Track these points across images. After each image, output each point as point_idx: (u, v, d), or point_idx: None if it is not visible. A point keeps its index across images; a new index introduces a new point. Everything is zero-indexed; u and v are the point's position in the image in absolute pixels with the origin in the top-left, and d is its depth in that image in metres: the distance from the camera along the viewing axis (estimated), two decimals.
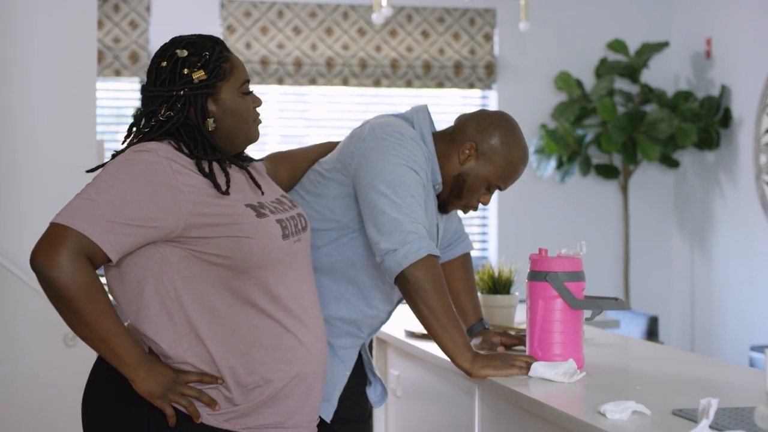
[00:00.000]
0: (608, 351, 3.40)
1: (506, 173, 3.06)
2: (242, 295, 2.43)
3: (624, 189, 7.99)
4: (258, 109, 2.62)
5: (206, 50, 2.52)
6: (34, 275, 4.47)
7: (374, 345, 4.13)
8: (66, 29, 4.65)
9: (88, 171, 2.55)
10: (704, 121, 7.65)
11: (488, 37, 7.94)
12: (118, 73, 7.41)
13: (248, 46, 7.54)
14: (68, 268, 2.28)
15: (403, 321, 3.81)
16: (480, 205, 3.15)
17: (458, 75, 7.87)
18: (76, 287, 2.28)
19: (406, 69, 7.79)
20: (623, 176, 7.98)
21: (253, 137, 2.60)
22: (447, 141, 3.08)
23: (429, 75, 7.83)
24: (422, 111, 3.11)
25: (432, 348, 3.24)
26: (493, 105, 8.00)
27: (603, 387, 2.69)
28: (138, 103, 7.71)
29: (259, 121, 2.62)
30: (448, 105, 8.03)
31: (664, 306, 8.18)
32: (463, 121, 3.11)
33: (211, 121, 2.50)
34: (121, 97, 7.80)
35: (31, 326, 4.61)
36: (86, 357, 4.62)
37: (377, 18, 6.51)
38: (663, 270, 8.26)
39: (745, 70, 7.50)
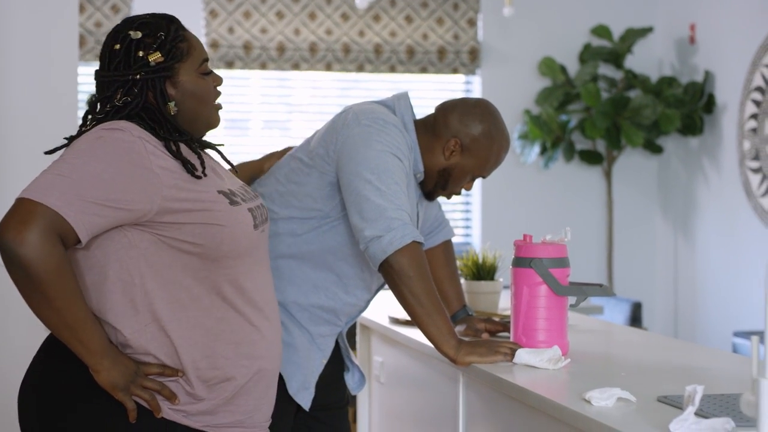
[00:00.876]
0: (592, 337, 3.40)
1: (490, 164, 3.09)
2: (210, 285, 2.35)
3: (608, 175, 7.99)
4: (220, 89, 2.51)
5: (161, 30, 2.41)
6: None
7: (357, 331, 4.12)
8: (46, 13, 4.62)
9: (46, 152, 2.46)
10: (688, 107, 7.65)
11: (472, 23, 7.92)
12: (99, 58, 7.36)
13: (231, 30, 7.51)
14: (39, 246, 2.14)
15: (386, 307, 3.80)
16: (463, 191, 3.16)
17: (442, 60, 7.85)
18: (46, 268, 2.16)
19: (389, 54, 7.77)
20: (607, 162, 7.98)
21: (213, 122, 2.50)
22: (430, 133, 3.07)
23: (412, 60, 7.81)
24: (404, 99, 3.10)
25: (416, 334, 3.23)
26: (476, 91, 7.99)
27: (588, 374, 2.68)
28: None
29: (219, 106, 2.51)
30: (432, 90, 8.01)
31: (648, 292, 8.19)
32: (446, 113, 3.09)
33: (172, 104, 2.40)
34: None
35: (29, 319, 4.58)
36: None
37: (360, 3, 6.49)
38: (646, 256, 8.27)
39: (729, 56, 7.50)
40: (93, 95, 2.47)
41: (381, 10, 7.76)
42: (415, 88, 7.85)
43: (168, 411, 2.34)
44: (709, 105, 7.63)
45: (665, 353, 3.10)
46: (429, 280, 2.83)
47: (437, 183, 3.09)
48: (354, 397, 4.46)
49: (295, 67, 7.61)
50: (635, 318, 6.46)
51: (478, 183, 7.96)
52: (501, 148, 3.08)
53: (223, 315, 2.37)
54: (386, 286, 2.98)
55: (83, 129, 2.39)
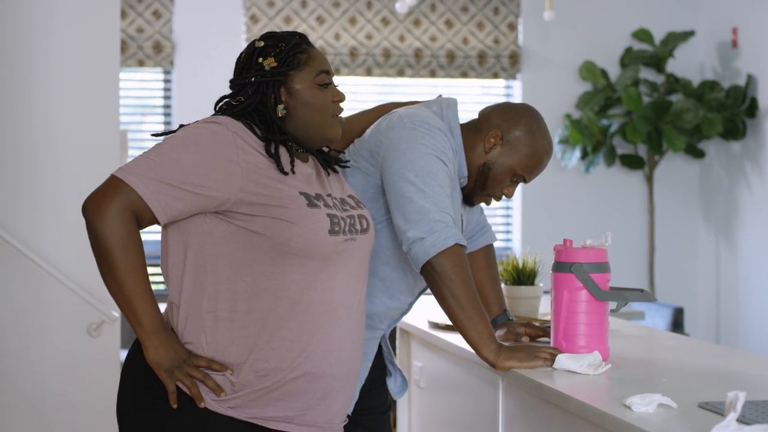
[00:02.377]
0: (633, 343, 3.38)
1: (531, 163, 3.04)
2: (278, 282, 2.42)
3: (649, 179, 7.94)
4: (342, 105, 2.63)
5: (283, 42, 2.56)
6: (59, 266, 4.49)
7: (398, 336, 4.12)
8: (89, 19, 4.65)
9: (153, 134, 2.65)
10: (730, 111, 7.59)
11: (512, 27, 7.90)
12: (141, 63, 7.41)
13: None
14: (112, 219, 2.33)
15: (426, 312, 3.80)
16: (503, 197, 3.13)
17: (482, 65, 7.84)
18: (114, 239, 2.33)
19: (429, 59, 7.77)
20: (648, 167, 7.93)
21: (329, 133, 2.61)
22: (472, 132, 3.07)
23: (453, 65, 7.80)
24: (452, 105, 3.09)
25: (456, 339, 3.22)
26: (517, 95, 7.97)
27: (628, 379, 2.67)
28: (163, 92, 7.72)
29: (340, 118, 2.63)
30: (472, 95, 8.00)
31: (690, 297, 8.14)
32: (488, 112, 3.10)
33: (281, 107, 2.53)
34: (144, 87, 7.80)
35: (54, 317, 4.62)
36: (109, 347, 4.63)
37: (401, 7, 6.49)
38: (688, 261, 8.21)
39: None
40: (224, 97, 2.64)
41: (421, 15, 7.76)
42: (456, 93, 7.84)
43: (212, 402, 2.40)
44: (752, 109, 7.58)
45: (707, 359, 3.08)
46: (471, 283, 2.82)
47: (477, 181, 3.06)
48: (394, 402, 4.45)
49: (336, 71, 7.61)
50: (677, 324, 6.42)
51: (518, 188, 7.93)
52: (543, 149, 3.05)
53: (284, 312, 2.43)
54: (428, 289, 2.97)
55: None
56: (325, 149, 2.72)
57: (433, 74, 7.78)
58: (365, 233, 2.61)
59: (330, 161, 2.67)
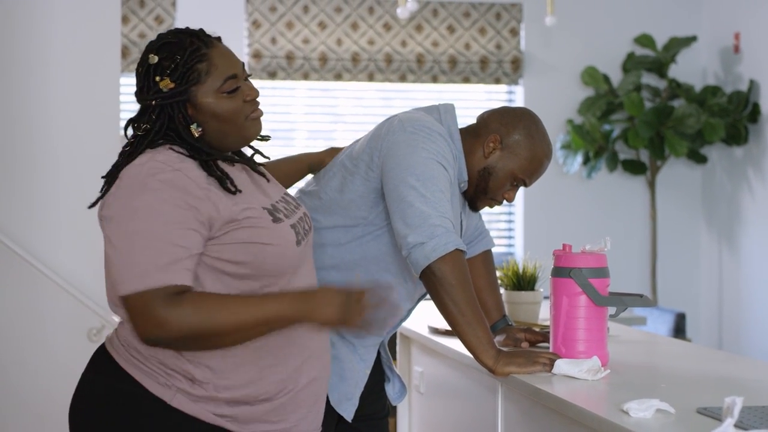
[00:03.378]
0: (634, 348, 3.38)
1: (531, 166, 3.04)
2: None
3: (651, 185, 7.94)
4: (258, 101, 2.46)
5: (179, 53, 2.36)
6: (60, 272, 4.49)
7: (398, 341, 4.12)
8: (89, 25, 4.66)
9: (90, 206, 2.46)
10: (732, 116, 7.59)
11: (514, 32, 7.90)
12: None
13: (273, 41, 7.53)
14: (173, 319, 2.21)
15: (426, 317, 3.79)
16: (505, 202, 3.13)
17: (484, 70, 7.84)
18: (184, 328, 2.22)
19: (431, 64, 7.77)
20: (650, 172, 7.93)
21: (247, 134, 2.45)
22: (471, 137, 3.07)
23: (455, 70, 7.80)
24: (450, 110, 3.09)
25: (455, 345, 3.22)
26: (519, 100, 7.97)
27: (627, 385, 2.66)
28: None
29: (255, 115, 2.45)
30: (474, 100, 8.00)
31: (692, 303, 8.13)
32: (486, 116, 3.10)
33: (194, 126, 2.37)
34: None
35: (55, 321, 4.62)
36: None
37: (402, 13, 6.49)
38: (691, 267, 8.21)
39: None
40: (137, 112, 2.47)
41: (423, 20, 7.76)
42: (458, 98, 7.84)
43: (214, 417, 2.34)
44: (754, 114, 7.57)
45: (708, 364, 3.08)
46: (470, 288, 2.82)
47: (478, 186, 3.06)
48: (394, 408, 4.45)
49: (338, 77, 7.62)
50: (679, 329, 6.41)
51: (520, 193, 7.94)
52: (542, 152, 3.05)
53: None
54: (428, 295, 2.96)
55: (116, 162, 2.39)
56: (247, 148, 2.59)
57: (435, 80, 7.78)
58: (310, 232, 2.57)
59: (243, 159, 2.52)
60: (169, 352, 2.32)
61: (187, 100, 2.37)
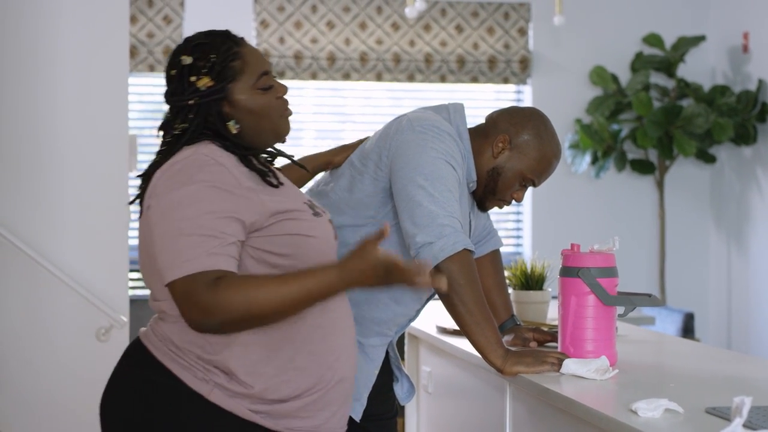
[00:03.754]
0: (642, 348, 3.37)
1: (540, 166, 3.04)
2: None
3: (660, 185, 7.93)
4: (287, 99, 2.51)
5: (212, 52, 2.41)
6: (67, 270, 4.50)
7: (406, 341, 4.11)
8: (97, 24, 4.66)
9: (130, 203, 2.50)
10: (741, 116, 7.57)
11: (523, 32, 7.89)
12: (152, 69, 7.42)
13: (282, 40, 7.53)
14: (219, 300, 2.23)
15: (434, 317, 3.79)
16: (513, 202, 3.12)
17: (492, 70, 7.83)
18: (236, 311, 2.25)
19: (440, 64, 7.76)
20: (659, 172, 7.92)
21: (280, 131, 2.50)
22: (480, 137, 3.06)
23: (463, 70, 7.80)
24: (460, 109, 3.09)
25: (463, 344, 3.22)
26: (527, 100, 7.96)
27: (636, 384, 2.66)
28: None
29: (288, 113, 2.51)
30: (483, 100, 8.00)
31: (701, 303, 8.11)
32: (495, 116, 3.09)
33: (232, 123, 2.42)
34: (155, 93, 7.81)
35: (63, 321, 4.62)
36: (118, 351, 4.63)
37: (411, 12, 6.49)
38: (699, 266, 8.19)
39: None
40: (166, 114, 2.49)
41: (431, 20, 7.76)
42: (466, 98, 7.83)
43: (249, 413, 2.36)
44: (763, 114, 7.56)
45: (716, 364, 3.07)
46: (479, 288, 2.82)
47: (487, 186, 3.05)
48: (402, 408, 4.45)
49: (346, 77, 7.62)
50: (687, 329, 6.40)
51: (528, 193, 7.92)
52: (551, 152, 3.04)
53: (306, 327, 2.39)
54: (436, 295, 2.96)
55: (154, 160, 2.43)
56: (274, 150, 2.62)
57: (443, 79, 7.78)
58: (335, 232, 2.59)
59: (276, 156, 2.57)
60: (207, 347, 2.34)
61: (224, 97, 2.41)
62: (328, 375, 2.43)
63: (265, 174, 2.39)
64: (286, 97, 2.52)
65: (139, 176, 2.45)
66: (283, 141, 2.54)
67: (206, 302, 2.24)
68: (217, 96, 2.40)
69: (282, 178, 2.48)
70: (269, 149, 2.54)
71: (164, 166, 2.37)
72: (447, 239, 2.78)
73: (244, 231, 2.31)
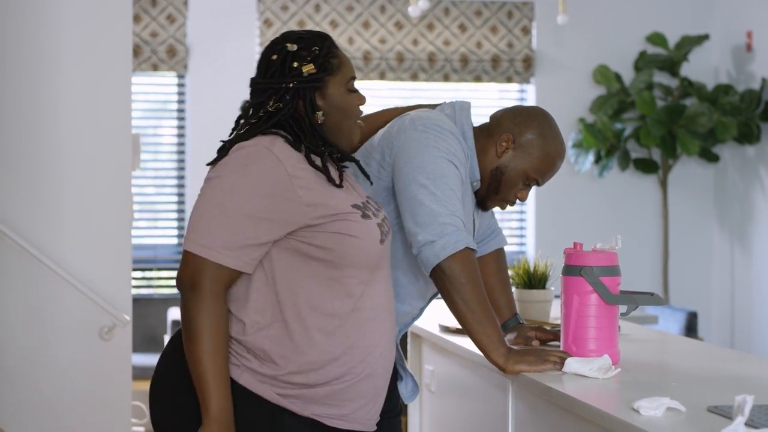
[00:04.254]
0: (645, 347, 3.37)
1: (544, 166, 3.03)
2: (335, 291, 2.47)
3: (663, 183, 7.92)
4: (362, 108, 2.65)
5: (316, 45, 2.54)
6: (69, 268, 4.50)
7: (408, 340, 4.11)
8: (101, 23, 4.66)
9: (208, 164, 2.56)
10: (745, 115, 7.57)
11: (526, 31, 7.89)
12: (155, 68, 7.43)
13: None
14: (208, 302, 2.38)
15: (437, 316, 3.79)
16: (517, 201, 3.12)
17: (496, 69, 7.83)
18: (206, 322, 2.38)
19: (443, 63, 7.76)
20: (662, 171, 7.91)
21: (354, 138, 2.63)
22: (484, 136, 3.06)
23: (466, 69, 7.80)
24: (465, 109, 3.08)
25: (466, 343, 3.21)
26: (531, 99, 7.96)
27: (638, 383, 2.65)
28: (177, 96, 7.72)
29: (360, 123, 2.64)
30: (486, 99, 8.00)
31: (704, 302, 8.11)
32: (499, 115, 3.09)
33: (320, 114, 2.53)
34: (158, 92, 7.82)
35: (66, 320, 4.63)
36: (121, 350, 4.64)
37: (414, 11, 6.49)
38: (703, 265, 8.19)
39: None
40: (246, 101, 2.61)
41: (435, 19, 7.76)
42: (470, 97, 7.83)
43: (277, 397, 2.44)
44: (766, 113, 7.55)
45: (719, 363, 3.07)
46: (481, 287, 2.81)
47: (490, 185, 3.05)
48: (405, 407, 4.45)
49: None
50: (690, 328, 6.40)
51: (532, 192, 7.93)
52: (555, 152, 3.04)
53: (344, 319, 2.48)
54: (439, 294, 2.96)
55: (238, 133, 2.53)
56: None
57: (446, 78, 7.78)
58: (390, 233, 2.66)
59: (345, 159, 2.66)
60: (246, 328, 2.45)
61: (320, 87, 2.54)
62: (359, 368, 2.50)
63: (327, 172, 2.47)
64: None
65: (222, 141, 2.54)
66: (353, 149, 2.67)
67: (199, 287, 2.38)
68: (315, 84, 2.53)
69: (347, 177, 2.58)
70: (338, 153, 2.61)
71: (236, 148, 2.47)
72: (449, 238, 2.78)
73: (279, 232, 2.42)
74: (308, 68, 2.52)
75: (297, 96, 2.52)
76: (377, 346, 2.54)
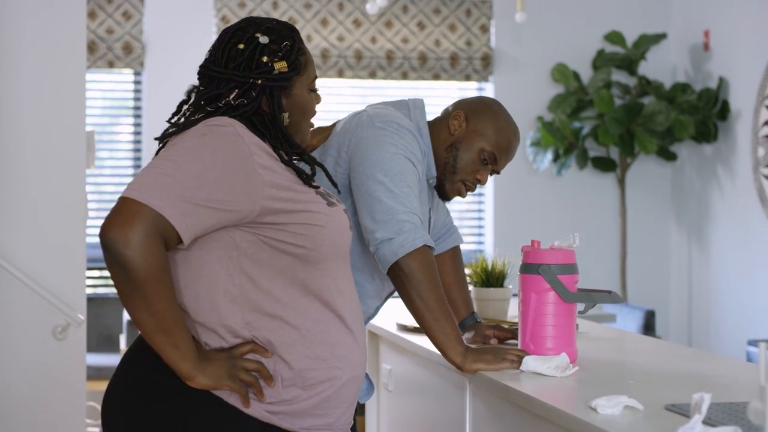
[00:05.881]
0: (603, 345, 3.36)
1: (499, 139, 3.00)
2: (308, 288, 2.34)
3: (621, 182, 7.95)
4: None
5: (286, 39, 2.41)
6: (23, 267, 4.44)
7: (366, 339, 4.09)
8: (55, 19, 4.60)
9: (156, 138, 2.43)
10: (702, 114, 7.61)
11: (485, 29, 7.89)
12: (111, 65, 7.37)
13: None
14: (142, 248, 2.14)
15: (395, 314, 3.77)
16: (478, 186, 3.09)
17: (454, 67, 7.83)
18: (148, 270, 2.15)
19: (401, 61, 7.75)
20: (620, 169, 7.94)
21: (307, 137, 2.53)
22: (436, 124, 3.06)
23: (425, 67, 7.78)
24: (420, 106, 3.08)
25: (424, 342, 3.20)
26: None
27: (596, 381, 2.65)
28: (133, 93, 7.66)
29: (312, 124, 2.54)
30: (445, 97, 7.99)
31: (661, 300, 8.15)
32: (449, 106, 3.11)
33: (286, 115, 2.41)
34: (114, 89, 7.75)
35: (19, 319, 4.57)
36: (75, 350, 4.59)
37: (372, 9, 6.47)
38: (660, 264, 8.22)
39: (743, 63, 7.46)
40: (195, 87, 2.45)
41: (393, 17, 7.74)
42: (428, 95, 7.83)
43: (268, 415, 2.32)
44: (723, 112, 7.59)
45: (676, 361, 3.07)
46: (438, 285, 2.80)
47: (446, 165, 3.02)
48: (362, 406, 4.42)
49: None
50: (648, 326, 6.42)
51: (490, 190, 7.93)
52: (508, 128, 3.02)
53: (319, 317, 2.36)
54: (396, 293, 2.94)
55: (182, 119, 2.39)
56: None
57: (405, 76, 7.76)
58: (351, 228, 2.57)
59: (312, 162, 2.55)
60: (225, 340, 2.31)
61: (286, 87, 2.42)
62: (341, 370, 2.39)
63: (302, 173, 2.36)
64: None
65: (159, 138, 2.40)
66: (304, 150, 2.49)
67: (133, 235, 2.14)
68: (283, 83, 2.40)
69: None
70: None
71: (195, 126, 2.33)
72: (407, 235, 2.77)
73: (230, 204, 2.24)
74: (280, 66, 2.38)
75: (263, 93, 2.38)
76: (355, 344, 2.44)
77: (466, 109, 3.04)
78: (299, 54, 2.43)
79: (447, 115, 3.07)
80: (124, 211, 2.16)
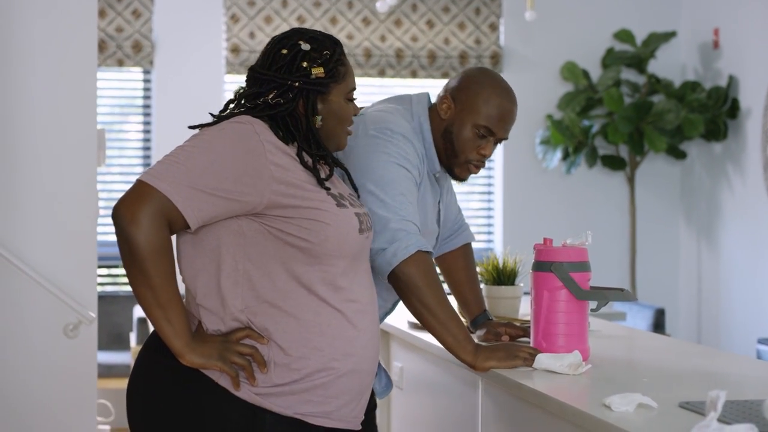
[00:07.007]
0: (614, 343, 3.36)
1: (489, 109, 2.98)
2: (308, 281, 2.44)
3: (631, 180, 7.94)
4: (354, 118, 2.69)
5: (327, 49, 2.56)
6: (34, 265, 4.45)
7: (378, 335, 4.09)
8: (66, 18, 4.61)
9: (190, 127, 2.59)
10: (712, 112, 7.59)
11: (494, 27, 7.89)
12: (120, 63, 7.38)
13: (252, 35, 7.49)
14: (147, 227, 2.33)
15: (406, 312, 3.77)
16: (485, 160, 3.07)
17: (463, 65, 7.82)
18: (149, 247, 2.33)
19: (411, 59, 7.75)
20: (630, 167, 7.93)
21: (342, 144, 2.63)
22: (432, 114, 3.08)
23: (434, 65, 7.78)
24: (423, 100, 3.08)
25: (435, 340, 3.19)
26: None
27: (608, 379, 2.65)
28: (143, 92, 7.67)
29: (350, 132, 2.65)
30: None
31: (671, 298, 8.14)
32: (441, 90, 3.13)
33: (318, 118, 2.54)
34: (123, 87, 7.76)
35: (31, 317, 4.58)
36: (86, 348, 4.59)
37: (381, 7, 6.47)
38: (670, 262, 8.21)
39: (752, 61, 7.44)
40: (242, 87, 2.61)
41: (402, 15, 7.74)
42: (437, 93, 7.80)
43: (257, 398, 2.42)
44: (733, 110, 7.58)
45: (688, 359, 3.06)
46: (439, 288, 2.79)
47: (446, 151, 3.02)
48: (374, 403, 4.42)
49: None
50: (658, 324, 6.41)
51: (499, 188, 7.93)
52: (495, 93, 2.99)
53: (320, 310, 2.46)
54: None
55: (222, 115, 2.55)
56: None
57: (414, 74, 7.76)
58: (370, 231, 2.64)
59: (336, 165, 2.68)
60: (224, 323, 2.43)
61: (323, 92, 2.55)
62: (340, 362, 2.47)
63: (318, 175, 2.47)
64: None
65: (193, 126, 2.57)
66: (329, 152, 2.63)
67: (142, 216, 2.33)
68: (320, 88, 2.54)
69: (333, 178, 2.60)
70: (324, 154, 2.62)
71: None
72: (399, 243, 2.76)
73: (238, 195, 2.38)
74: (318, 71, 2.53)
75: (299, 95, 2.53)
76: (361, 339, 2.51)
77: (452, 90, 3.05)
78: (338, 63, 2.57)
79: (438, 100, 3.08)
80: (135, 191, 2.36)
